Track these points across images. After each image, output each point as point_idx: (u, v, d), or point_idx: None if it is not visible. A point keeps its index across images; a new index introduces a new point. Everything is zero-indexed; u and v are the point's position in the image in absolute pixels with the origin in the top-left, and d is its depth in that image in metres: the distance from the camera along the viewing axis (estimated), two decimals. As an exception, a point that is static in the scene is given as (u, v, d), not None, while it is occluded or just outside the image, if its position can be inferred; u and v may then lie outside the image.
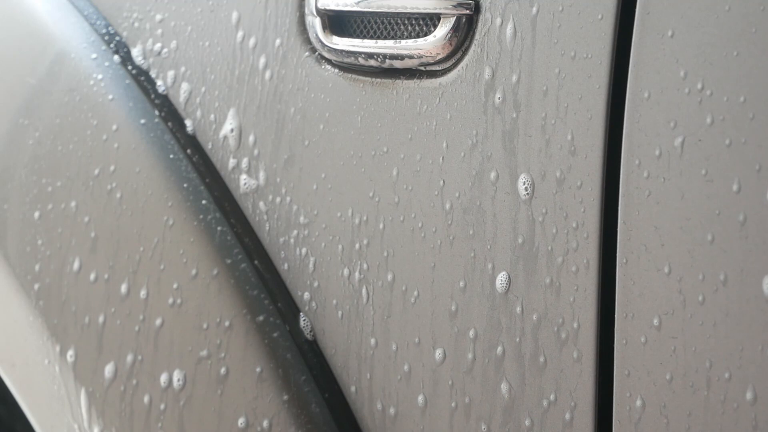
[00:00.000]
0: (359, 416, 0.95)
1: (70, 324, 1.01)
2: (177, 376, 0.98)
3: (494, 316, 0.84)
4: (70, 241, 1.03)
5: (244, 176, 1.00)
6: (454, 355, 0.87)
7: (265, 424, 0.95)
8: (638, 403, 0.76)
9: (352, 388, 0.95)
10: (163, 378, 0.98)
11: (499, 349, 0.84)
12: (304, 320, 0.96)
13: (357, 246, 0.92)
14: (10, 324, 1.07)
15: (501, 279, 0.84)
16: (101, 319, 1.00)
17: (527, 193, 0.81)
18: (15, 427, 1.25)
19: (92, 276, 1.02)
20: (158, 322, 0.99)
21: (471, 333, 0.86)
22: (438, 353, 0.88)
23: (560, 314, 0.80)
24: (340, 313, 0.95)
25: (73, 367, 1.01)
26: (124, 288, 1.00)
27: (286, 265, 0.98)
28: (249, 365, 0.96)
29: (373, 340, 0.92)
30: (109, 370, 1.00)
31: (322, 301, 0.96)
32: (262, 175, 0.99)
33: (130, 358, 0.99)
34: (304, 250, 0.97)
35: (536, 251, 0.81)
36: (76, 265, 1.02)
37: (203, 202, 1.01)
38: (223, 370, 0.96)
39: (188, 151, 1.04)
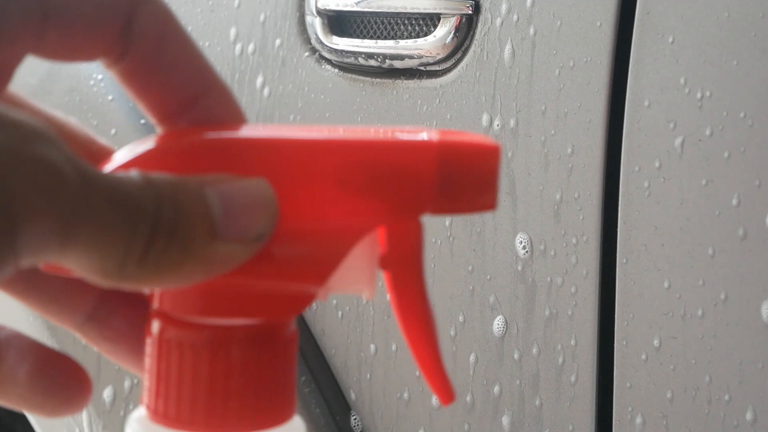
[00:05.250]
0: (359, 417, 0.95)
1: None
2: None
3: (493, 355, 0.84)
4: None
5: (244, 176, 1.00)
6: (454, 381, 0.87)
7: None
8: (638, 420, 0.76)
9: (352, 389, 0.95)
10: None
11: (497, 388, 0.85)
12: (355, 418, 0.96)
13: (357, 246, 0.92)
14: (10, 324, 1.07)
15: (498, 323, 0.84)
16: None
17: (526, 253, 0.81)
18: (15, 427, 1.25)
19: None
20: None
21: (471, 358, 0.86)
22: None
23: (559, 335, 0.80)
24: (340, 313, 0.95)
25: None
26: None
27: (286, 266, 0.98)
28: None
29: (372, 342, 0.92)
30: (109, 392, 1.00)
31: (322, 301, 0.96)
32: (262, 175, 0.99)
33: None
34: (304, 251, 0.97)
35: (534, 284, 0.81)
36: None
37: (203, 202, 1.01)
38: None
39: (188, 151, 1.03)
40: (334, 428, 0.96)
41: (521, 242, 0.82)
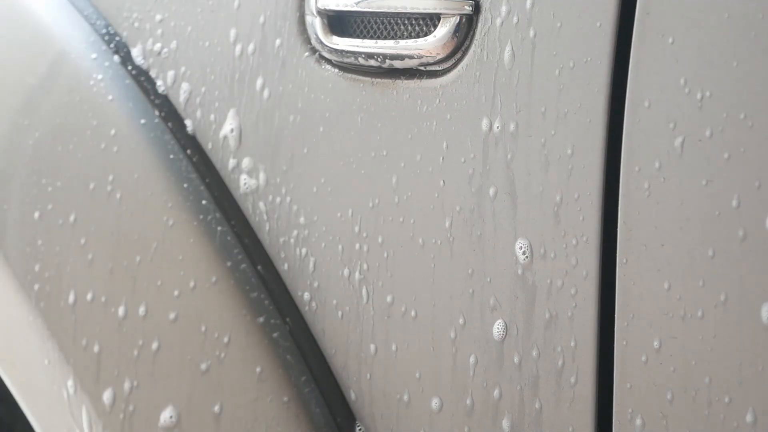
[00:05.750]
0: (359, 417, 0.95)
1: (67, 313, 1.01)
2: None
3: (493, 362, 0.84)
4: (70, 242, 1.03)
5: (244, 176, 1.00)
6: (454, 384, 0.87)
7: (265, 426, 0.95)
8: (638, 422, 0.76)
9: (352, 389, 0.95)
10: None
11: (497, 391, 0.85)
12: (360, 428, 0.96)
13: (357, 246, 0.92)
14: (11, 324, 1.07)
15: (498, 327, 0.84)
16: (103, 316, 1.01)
17: (526, 259, 0.81)
18: (15, 427, 1.25)
19: (91, 284, 1.01)
20: (156, 333, 0.99)
21: (471, 359, 0.86)
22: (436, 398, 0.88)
23: (559, 337, 0.80)
24: (340, 313, 0.95)
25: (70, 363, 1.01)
26: (123, 288, 1.00)
27: (286, 266, 0.98)
28: (249, 366, 0.96)
29: (372, 342, 0.92)
30: (109, 394, 1.00)
31: (322, 301, 0.96)
32: (262, 175, 0.99)
33: (135, 351, 0.99)
34: (304, 251, 0.97)
35: (534, 287, 0.81)
36: (75, 267, 1.02)
37: (203, 202, 1.01)
38: (222, 371, 0.96)
39: (188, 151, 1.04)
40: (334, 428, 0.96)
41: (521, 248, 0.82)
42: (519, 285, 0.82)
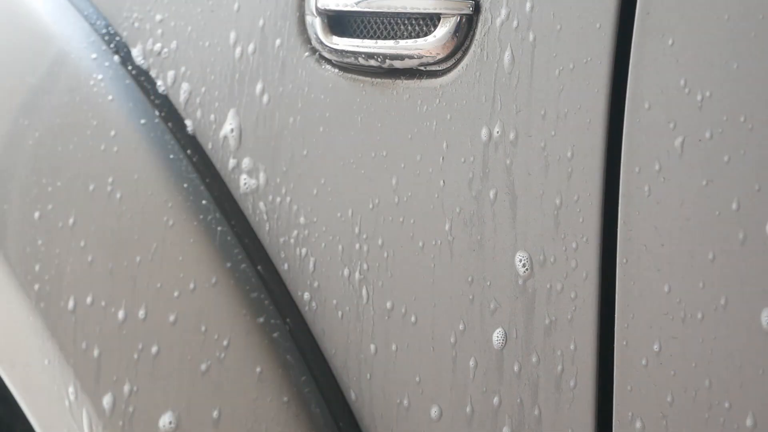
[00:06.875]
0: (359, 417, 0.95)
1: (66, 314, 1.01)
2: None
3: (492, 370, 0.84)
4: (70, 243, 1.03)
5: (244, 176, 1.00)
6: (453, 392, 0.87)
7: (264, 426, 0.95)
8: (638, 424, 0.76)
9: (352, 389, 0.95)
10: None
11: (496, 399, 0.85)
12: None
13: (357, 246, 0.92)
14: (10, 324, 1.07)
15: (498, 335, 0.84)
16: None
17: (526, 271, 0.81)
18: (15, 427, 1.25)
19: (91, 286, 1.01)
20: (156, 335, 0.99)
21: (471, 362, 0.86)
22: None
23: (559, 341, 0.80)
24: (340, 313, 0.95)
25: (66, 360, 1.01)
26: (123, 290, 1.00)
27: (286, 265, 0.98)
28: (249, 366, 0.96)
29: (372, 342, 0.92)
30: (109, 398, 1.00)
31: (322, 302, 0.96)
32: (262, 175, 0.99)
33: (135, 354, 0.99)
34: (304, 251, 0.96)
35: (534, 293, 0.81)
36: (75, 268, 1.02)
37: (203, 202, 1.01)
38: (222, 371, 0.96)
39: (188, 151, 1.03)
40: (334, 428, 0.96)
41: (521, 260, 0.81)
42: (519, 291, 0.82)
